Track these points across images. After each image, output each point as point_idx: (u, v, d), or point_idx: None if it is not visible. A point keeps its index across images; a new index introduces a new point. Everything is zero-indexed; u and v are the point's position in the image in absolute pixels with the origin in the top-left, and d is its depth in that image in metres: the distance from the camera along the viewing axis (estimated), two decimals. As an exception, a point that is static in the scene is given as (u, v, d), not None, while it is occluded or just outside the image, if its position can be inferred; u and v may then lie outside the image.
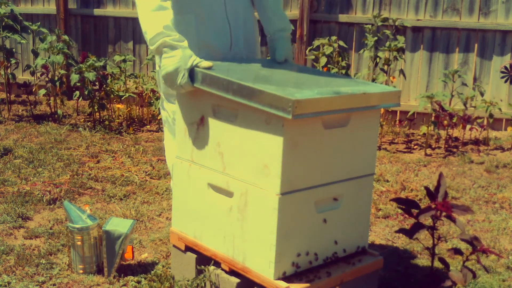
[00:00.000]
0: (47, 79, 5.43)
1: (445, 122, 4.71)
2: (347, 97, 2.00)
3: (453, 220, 2.25)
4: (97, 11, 6.32)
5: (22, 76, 6.47)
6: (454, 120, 4.70)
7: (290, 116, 1.83)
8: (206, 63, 2.11)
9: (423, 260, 2.76)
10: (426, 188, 2.33)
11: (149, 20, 2.13)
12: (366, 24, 5.14)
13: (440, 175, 2.30)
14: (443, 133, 5.00)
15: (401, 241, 3.00)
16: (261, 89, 1.91)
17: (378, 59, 4.85)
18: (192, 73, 2.10)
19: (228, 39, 2.40)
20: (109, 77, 5.37)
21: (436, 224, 2.34)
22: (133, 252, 2.55)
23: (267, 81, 2.07)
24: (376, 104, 2.10)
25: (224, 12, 2.37)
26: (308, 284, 2.00)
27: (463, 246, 2.79)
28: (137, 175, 3.91)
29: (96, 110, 5.22)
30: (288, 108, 1.83)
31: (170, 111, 2.48)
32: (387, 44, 4.78)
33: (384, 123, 5.01)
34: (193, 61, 2.10)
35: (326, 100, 1.93)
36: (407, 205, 2.39)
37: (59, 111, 5.36)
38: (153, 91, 5.34)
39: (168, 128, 2.56)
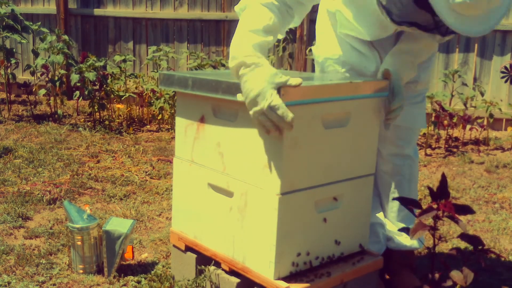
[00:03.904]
0: (47, 79, 5.44)
1: (445, 122, 4.71)
2: (334, 86, 2.02)
3: (455, 221, 2.25)
4: (97, 11, 6.32)
5: (22, 76, 6.48)
6: (454, 120, 4.70)
7: None
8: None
9: (423, 260, 2.75)
10: (429, 188, 2.33)
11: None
12: (366, 24, 5.13)
13: (443, 175, 2.30)
14: (443, 133, 5.00)
15: (401, 241, 2.99)
16: None
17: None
18: None
19: None
20: (109, 77, 5.37)
21: (436, 224, 2.34)
22: (133, 252, 2.55)
23: None
24: (365, 93, 2.10)
25: None
26: (308, 284, 2.00)
27: (462, 245, 2.79)
28: (137, 175, 3.91)
29: (96, 110, 5.22)
30: None
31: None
32: (387, 44, 4.77)
33: (384, 123, 5.00)
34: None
35: (313, 88, 1.95)
36: (410, 204, 2.38)
37: (59, 111, 5.36)
38: (153, 91, 5.34)
39: None
